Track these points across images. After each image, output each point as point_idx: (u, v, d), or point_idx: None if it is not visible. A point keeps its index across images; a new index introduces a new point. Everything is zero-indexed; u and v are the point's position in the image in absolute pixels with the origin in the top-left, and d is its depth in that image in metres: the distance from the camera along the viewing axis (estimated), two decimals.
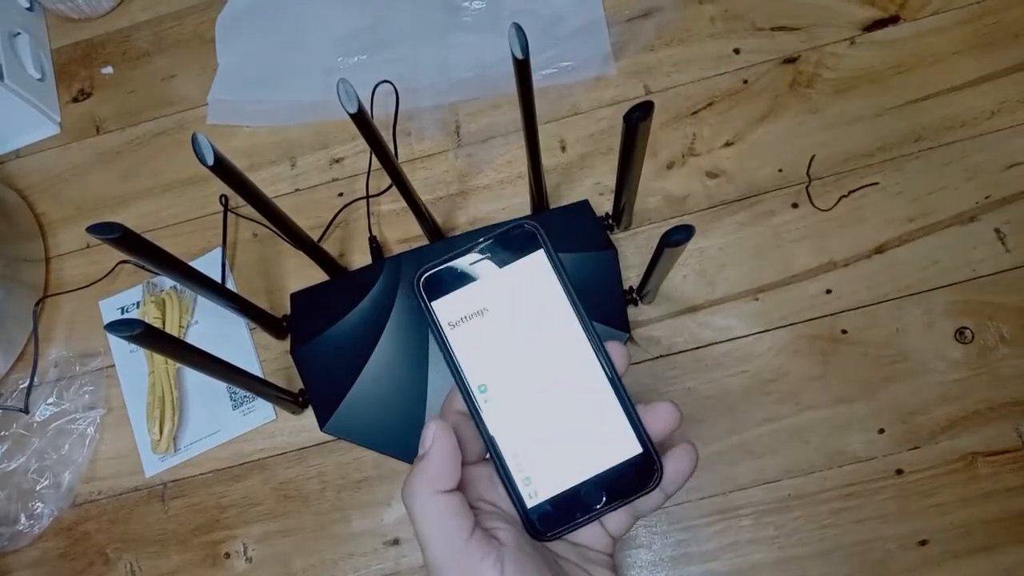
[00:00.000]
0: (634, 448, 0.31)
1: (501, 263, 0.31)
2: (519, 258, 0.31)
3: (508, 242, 0.31)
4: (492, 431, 0.31)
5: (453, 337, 0.31)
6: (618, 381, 0.31)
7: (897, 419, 0.52)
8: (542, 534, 0.31)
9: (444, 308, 0.31)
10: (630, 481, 0.31)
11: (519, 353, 0.31)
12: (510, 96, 0.61)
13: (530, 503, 0.31)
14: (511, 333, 0.31)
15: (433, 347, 0.54)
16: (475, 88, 0.65)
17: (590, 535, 0.32)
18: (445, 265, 0.31)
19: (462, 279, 0.31)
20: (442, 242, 0.59)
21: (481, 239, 0.31)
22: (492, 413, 0.31)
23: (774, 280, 0.56)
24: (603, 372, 0.31)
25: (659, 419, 0.31)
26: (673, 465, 0.31)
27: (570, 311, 0.31)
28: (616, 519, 0.32)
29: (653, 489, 0.31)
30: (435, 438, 0.29)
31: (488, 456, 0.32)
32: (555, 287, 0.31)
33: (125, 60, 0.72)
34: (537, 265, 0.31)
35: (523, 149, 0.50)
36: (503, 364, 0.31)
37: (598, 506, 0.31)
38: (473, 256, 0.31)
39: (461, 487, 0.29)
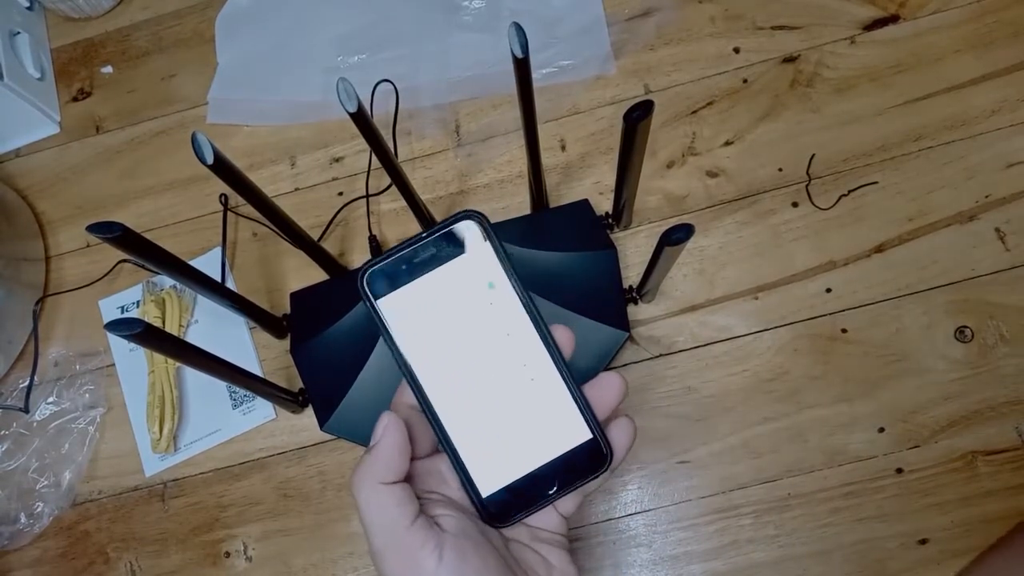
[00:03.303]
0: (584, 434, 0.32)
1: (447, 257, 0.31)
2: (465, 251, 0.31)
3: (453, 235, 0.31)
4: (444, 423, 0.31)
5: (400, 334, 0.31)
6: (566, 369, 0.31)
7: (897, 418, 0.52)
8: (497, 521, 0.31)
9: (390, 305, 0.31)
10: (581, 466, 0.32)
11: (468, 346, 0.31)
12: (510, 95, 0.61)
13: (484, 492, 0.31)
14: (459, 326, 0.31)
15: None
16: (475, 87, 0.65)
17: (541, 517, 0.33)
18: (389, 261, 0.31)
19: (408, 275, 0.31)
20: None
21: (425, 233, 0.31)
22: (443, 406, 0.31)
23: (774, 279, 0.56)
24: (551, 361, 0.31)
25: (604, 392, 0.32)
26: (615, 439, 0.32)
27: (517, 302, 0.31)
28: (566, 500, 0.33)
29: (603, 472, 0.32)
30: (385, 431, 0.29)
31: (440, 448, 0.32)
32: (501, 277, 0.31)
33: (125, 59, 0.72)
34: (484, 257, 0.31)
35: (523, 148, 0.50)
36: (452, 358, 0.31)
37: (550, 492, 0.32)
38: (417, 251, 0.31)
39: (410, 480, 0.30)
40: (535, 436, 0.32)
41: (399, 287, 0.31)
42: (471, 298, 0.31)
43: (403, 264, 0.31)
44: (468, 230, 0.31)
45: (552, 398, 0.31)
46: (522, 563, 0.31)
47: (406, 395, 0.32)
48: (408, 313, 0.31)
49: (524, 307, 0.31)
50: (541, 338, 0.31)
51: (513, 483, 0.31)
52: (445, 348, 0.31)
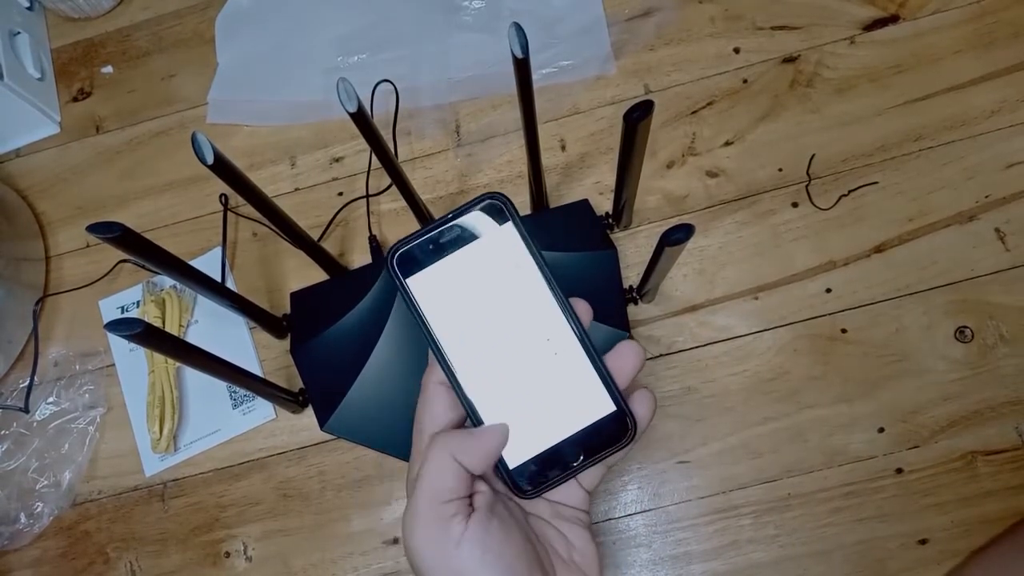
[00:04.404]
0: (608, 407, 0.32)
1: (472, 237, 0.32)
2: (489, 231, 0.32)
3: (478, 216, 0.32)
4: (471, 398, 0.32)
5: (429, 311, 0.32)
6: (589, 343, 0.32)
7: (897, 418, 0.52)
8: (524, 492, 0.32)
9: (418, 284, 0.32)
10: (605, 438, 0.33)
11: (494, 322, 0.32)
12: (510, 95, 0.61)
13: (511, 464, 0.32)
14: (485, 303, 0.32)
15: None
16: (475, 88, 0.65)
17: (565, 492, 0.34)
18: (416, 242, 0.32)
19: (434, 255, 0.32)
20: None
21: (450, 214, 0.32)
22: (470, 381, 0.32)
23: (774, 279, 0.56)
24: (575, 336, 0.32)
25: (624, 361, 0.32)
26: (636, 411, 0.33)
27: (540, 279, 0.32)
28: (589, 473, 0.34)
29: (628, 444, 0.32)
30: (498, 433, 0.31)
31: (468, 423, 0.33)
32: (525, 256, 0.32)
33: (125, 59, 0.72)
34: (507, 236, 0.32)
35: (523, 148, 0.50)
36: (479, 334, 0.32)
37: (576, 463, 0.32)
38: (443, 232, 0.32)
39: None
40: (560, 409, 0.32)
41: (426, 267, 0.32)
42: (496, 276, 0.32)
43: (430, 244, 0.32)
44: (492, 211, 0.32)
45: (576, 372, 0.32)
46: (542, 539, 0.32)
47: (435, 372, 0.33)
48: (435, 291, 0.32)
49: (547, 284, 0.32)
50: (564, 313, 0.32)
51: (540, 455, 0.32)
52: (472, 325, 0.32)
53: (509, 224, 0.32)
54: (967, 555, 0.49)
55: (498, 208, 0.32)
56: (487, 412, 0.32)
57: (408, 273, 0.32)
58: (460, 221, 0.32)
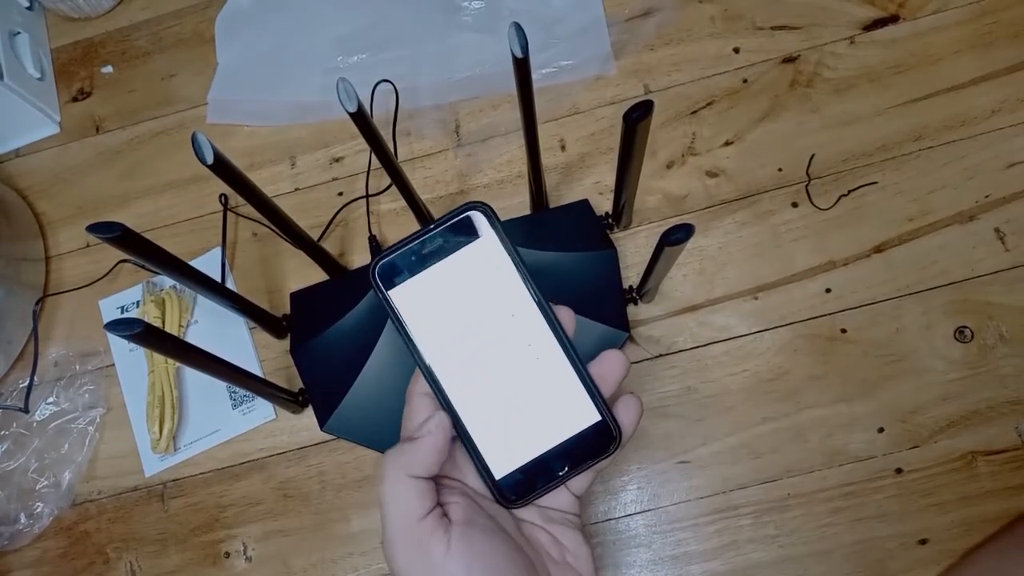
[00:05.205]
0: (592, 416, 0.32)
1: (454, 247, 0.32)
2: (471, 240, 0.32)
3: (459, 226, 0.32)
4: (457, 410, 0.32)
5: (412, 323, 0.32)
6: (574, 353, 0.32)
7: (897, 418, 0.52)
8: (511, 502, 0.32)
9: (401, 295, 0.32)
10: (591, 447, 0.33)
11: (478, 333, 0.32)
12: (510, 95, 0.61)
13: (498, 475, 0.32)
14: (469, 314, 0.32)
15: None
16: (475, 88, 0.65)
17: (554, 497, 0.34)
18: (398, 253, 0.32)
19: (417, 265, 0.32)
20: None
21: (432, 225, 0.32)
22: (456, 393, 0.32)
23: (774, 279, 0.57)
24: (559, 345, 0.32)
25: (608, 369, 0.32)
26: (622, 418, 0.33)
27: (523, 288, 0.32)
28: (577, 479, 0.34)
29: (613, 453, 0.32)
30: (434, 429, 0.30)
31: (453, 435, 0.33)
32: (507, 265, 0.32)
33: (125, 59, 0.72)
34: (489, 246, 0.32)
35: (523, 148, 0.50)
36: (464, 345, 0.32)
37: (562, 473, 0.33)
38: (426, 242, 0.32)
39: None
40: (545, 418, 0.32)
41: (409, 278, 0.32)
42: (478, 285, 0.32)
43: (412, 255, 0.32)
44: (474, 220, 0.32)
45: (560, 381, 0.32)
46: (534, 544, 0.32)
47: (420, 383, 0.32)
48: (418, 302, 0.32)
49: (531, 294, 0.32)
50: (548, 323, 0.32)
51: (525, 465, 0.32)
52: (455, 335, 0.32)
53: (492, 234, 0.32)
54: (963, 553, 0.49)
55: (480, 217, 0.32)
56: (472, 423, 0.32)
57: (391, 285, 0.32)
58: (442, 231, 0.32)
